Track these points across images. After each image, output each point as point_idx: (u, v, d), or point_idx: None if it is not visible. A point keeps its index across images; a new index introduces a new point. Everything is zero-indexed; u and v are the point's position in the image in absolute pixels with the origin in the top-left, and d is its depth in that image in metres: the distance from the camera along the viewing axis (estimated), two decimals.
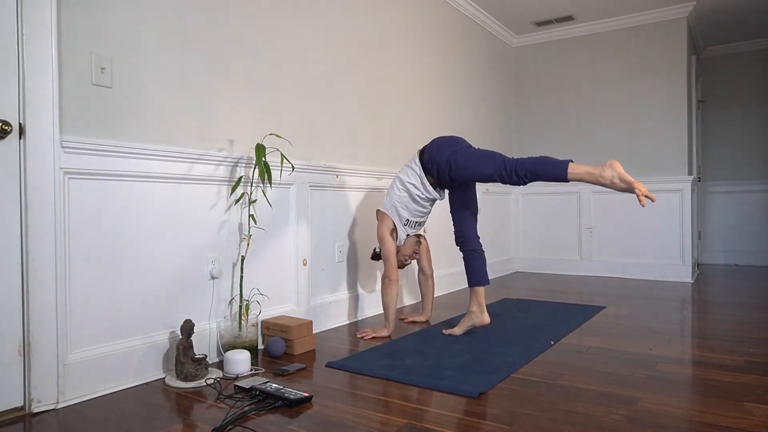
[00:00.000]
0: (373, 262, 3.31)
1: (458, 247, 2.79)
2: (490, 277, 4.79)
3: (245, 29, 2.50)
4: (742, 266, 5.56)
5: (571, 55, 5.17)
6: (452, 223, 2.82)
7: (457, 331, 2.66)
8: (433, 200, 2.79)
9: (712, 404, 1.74)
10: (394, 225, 2.77)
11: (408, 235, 2.84)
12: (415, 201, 2.73)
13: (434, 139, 2.73)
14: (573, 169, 2.28)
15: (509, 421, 1.62)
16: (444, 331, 2.71)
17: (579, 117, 5.13)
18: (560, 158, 2.27)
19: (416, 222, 2.83)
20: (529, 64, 5.41)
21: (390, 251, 2.72)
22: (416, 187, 2.70)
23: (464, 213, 2.77)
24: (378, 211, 2.82)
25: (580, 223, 5.08)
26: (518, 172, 2.38)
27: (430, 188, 2.71)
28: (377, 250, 2.92)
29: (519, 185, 2.44)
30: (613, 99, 4.95)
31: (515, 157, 2.45)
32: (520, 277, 4.92)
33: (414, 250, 2.91)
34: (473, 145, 2.67)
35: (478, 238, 2.79)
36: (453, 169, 2.56)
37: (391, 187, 2.80)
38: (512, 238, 5.35)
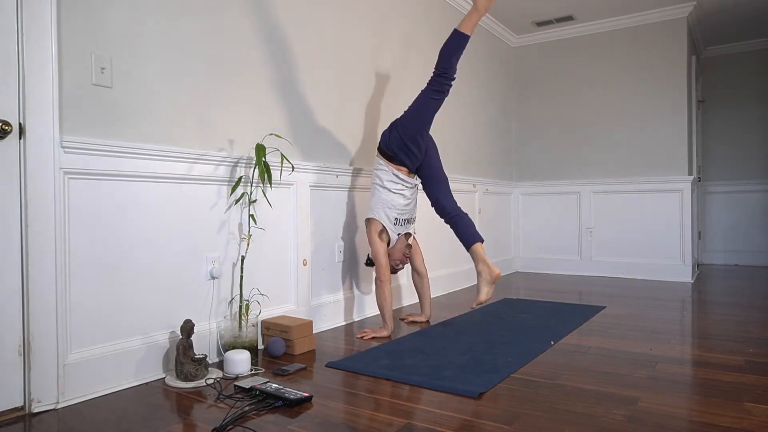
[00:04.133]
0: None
1: (442, 219, 2.86)
2: None
3: (245, 29, 2.50)
4: (742, 266, 5.56)
5: (571, 55, 5.17)
6: (427, 198, 2.90)
7: (483, 297, 2.70)
8: (414, 186, 2.86)
9: (712, 404, 1.74)
10: (384, 227, 2.78)
11: (399, 235, 2.85)
12: (399, 195, 2.78)
13: (381, 134, 2.88)
14: None
15: (509, 421, 1.62)
16: (474, 305, 2.75)
17: (579, 117, 5.13)
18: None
19: (405, 219, 2.85)
20: (529, 64, 5.41)
21: (380, 252, 2.74)
22: (393, 182, 2.77)
23: (435, 184, 2.85)
24: (366, 219, 2.84)
25: (580, 223, 5.08)
26: (437, 71, 2.64)
27: (404, 176, 2.79)
28: (370, 255, 2.94)
29: (447, 79, 2.65)
30: (613, 99, 4.95)
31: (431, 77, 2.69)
32: (520, 277, 4.92)
33: (404, 254, 2.91)
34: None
35: (456, 203, 2.86)
36: (403, 132, 2.72)
37: (371, 195, 2.84)
38: (512, 238, 5.35)
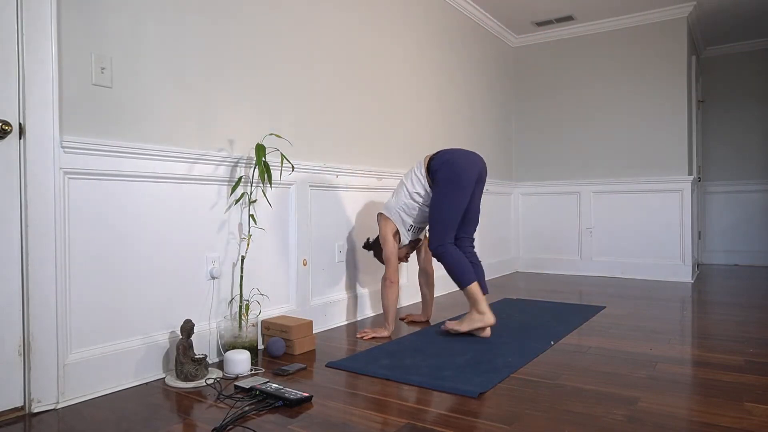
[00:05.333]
0: (374, 261, 3.31)
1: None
2: (489, 278, 4.82)
3: (245, 29, 2.50)
4: (742, 266, 5.56)
5: (571, 55, 5.17)
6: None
7: (464, 327, 2.58)
8: None
9: (712, 404, 1.74)
10: (397, 230, 2.78)
11: (410, 241, 2.86)
12: (420, 209, 2.76)
13: (448, 150, 2.70)
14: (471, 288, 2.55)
15: (509, 421, 1.62)
16: (447, 323, 2.64)
17: (579, 117, 5.13)
18: (474, 275, 2.62)
19: (419, 228, 2.86)
20: (529, 64, 5.40)
21: (392, 253, 2.73)
22: (421, 196, 2.73)
23: (462, 223, 2.79)
24: (380, 214, 2.82)
25: (580, 223, 5.07)
26: (437, 253, 2.63)
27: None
28: (371, 240, 2.93)
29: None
30: (613, 99, 4.95)
31: (448, 243, 2.63)
32: (520, 277, 4.92)
33: (407, 254, 2.95)
34: (482, 176, 2.74)
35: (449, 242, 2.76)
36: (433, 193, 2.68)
37: (397, 192, 2.80)
38: (512, 238, 5.35)
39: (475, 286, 2.57)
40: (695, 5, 4.56)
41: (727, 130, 5.79)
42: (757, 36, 5.43)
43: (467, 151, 2.72)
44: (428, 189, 2.71)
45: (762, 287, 4.16)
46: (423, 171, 2.73)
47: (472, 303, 2.58)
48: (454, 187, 2.60)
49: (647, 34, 4.79)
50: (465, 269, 2.58)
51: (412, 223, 2.79)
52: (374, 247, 2.94)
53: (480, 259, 2.80)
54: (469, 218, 2.79)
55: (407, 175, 2.80)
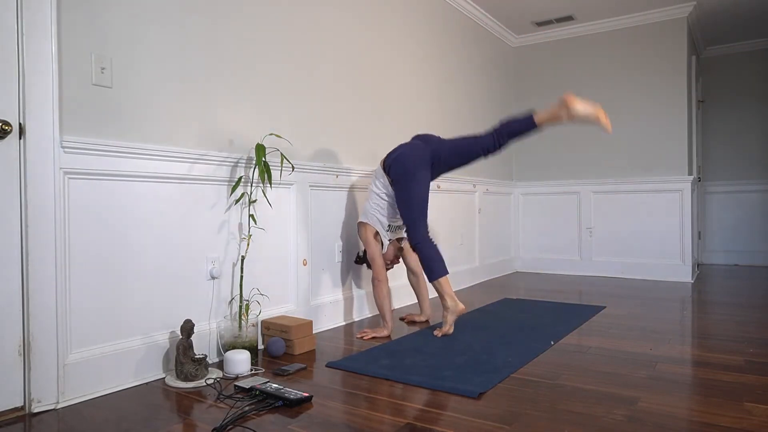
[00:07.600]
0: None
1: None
2: (489, 278, 4.83)
3: (245, 29, 2.49)
4: (742, 266, 5.56)
5: (571, 55, 5.17)
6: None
7: (448, 328, 2.67)
8: None
9: (712, 404, 1.74)
10: (377, 232, 2.85)
11: (390, 240, 2.92)
12: (390, 205, 2.84)
13: (396, 148, 2.83)
14: None
15: (509, 421, 1.62)
16: (435, 333, 2.68)
17: None
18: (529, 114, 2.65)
19: (396, 226, 2.93)
20: (529, 64, 5.40)
21: (375, 252, 2.80)
22: (387, 195, 2.82)
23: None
24: (359, 222, 2.89)
25: (580, 223, 5.07)
26: (495, 141, 2.69)
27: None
28: (360, 254, 2.98)
29: (496, 150, 2.73)
30: (613, 99, 4.95)
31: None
32: (520, 277, 4.92)
33: (396, 255, 3.00)
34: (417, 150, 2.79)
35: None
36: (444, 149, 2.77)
37: (369, 197, 2.88)
38: (512, 238, 5.35)
39: (444, 280, 2.68)
40: (695, 5, 4.56)
41: (727, 130, 5.79)
42: (757, 36, 5.43)
43: (412, 141, 2.86)
44: (389, 186, 2.80)
45: (762, 287, 4.16)
46: (381, 171, 2.83)
47: (441, 296, 2.69)
48: (408, 178, 2.70)
49: (647, 34, 4.79)
50: (438, 263, 2.69)
51: (389, 222, 2.87)
52: (365, 259, 2.98)
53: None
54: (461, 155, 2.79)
55: (372, 184, 2.89)
